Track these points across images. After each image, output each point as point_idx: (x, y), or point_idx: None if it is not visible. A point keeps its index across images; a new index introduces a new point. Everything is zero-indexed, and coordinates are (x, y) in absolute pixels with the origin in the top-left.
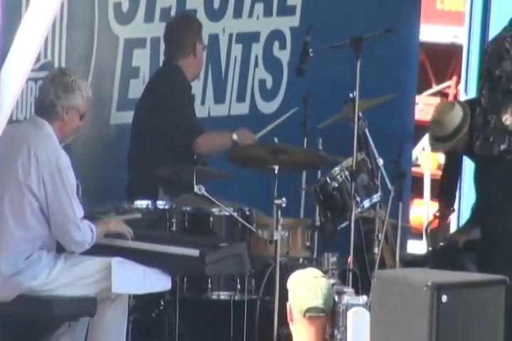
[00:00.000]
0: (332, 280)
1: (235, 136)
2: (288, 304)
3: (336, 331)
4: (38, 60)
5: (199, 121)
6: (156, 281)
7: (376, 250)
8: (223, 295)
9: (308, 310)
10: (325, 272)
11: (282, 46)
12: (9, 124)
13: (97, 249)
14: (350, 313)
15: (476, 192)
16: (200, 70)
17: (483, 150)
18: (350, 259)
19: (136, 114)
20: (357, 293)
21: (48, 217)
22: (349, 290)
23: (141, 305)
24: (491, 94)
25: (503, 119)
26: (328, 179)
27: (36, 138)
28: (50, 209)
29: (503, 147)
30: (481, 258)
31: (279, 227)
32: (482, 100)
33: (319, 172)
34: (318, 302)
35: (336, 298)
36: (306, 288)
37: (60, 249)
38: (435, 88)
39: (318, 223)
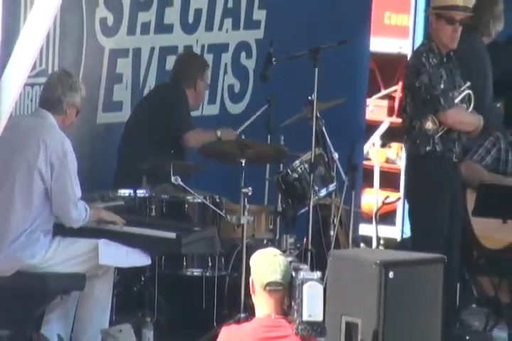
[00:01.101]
0: (290, 258)
1: (219, 133)
2: (251, 279)
3: (292, 302)
4: (34, 67)
5: (190, 119)
6: (137, 257)
7: (332, 232)
8: (196, 272)
9: (268, 284)
10: (284, 251)
11: (248, 55)
12: (14, 116)
13: (86, 233)
14: (305, 287)
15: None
16: (201, 101)
17: (411, 151)
18: (306, 240)
19: (135, 113)
20: (312, 270)
21: (51, 196)
22: (305, 266)
23: (124, 281)
24: (413, 103)
25: (425, 125)
26: (289, 171)
27: (43, 128)
28: (53, 188)
29: (428, 148)
30: None
31: (246, 213)
32: (407, 108)
33: (281, 165)
34: (276, 277)
35: (293, 274)
36: (266, 264)
37: (54, 233)
38: (383, 92)
39: (280, 209)
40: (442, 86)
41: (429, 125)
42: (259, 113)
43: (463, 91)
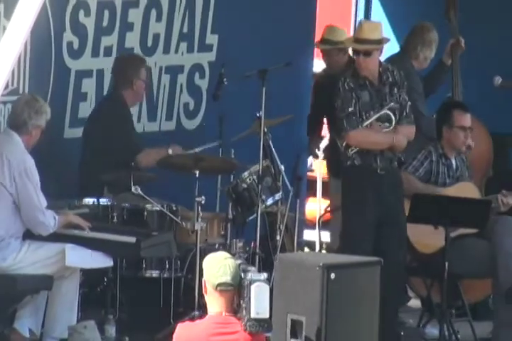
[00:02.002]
0: (239, 261)
1: (170, 151)
2: (203, 280)
3: (241, 301)
4: (6, 86)
5: (138, 139)
6: (100, 260)
7: (278, 237)
8: (155, 273)
9: (219, 284)
10: (233, 254)
11: (202, 76)
12: None
13: (53, 237)
14: (253, 287)
15: None
16: (140, 99)
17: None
18: (254, 245)
19: (85, 131)
20: (260, 271)
21: (19, 207)
22: (253, 268)
23: (89, 281)
24: (333, 122)
25: (340, 144)
26: (239, 181)
27: (7, 146)
28: (20, 200)
29: (349, 163)
30: None
31: (199, 220)
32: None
33: (232, 176)
34: (227, 278)
35: (242, 275)
36: (217, 267)
37: (24, 237)
38: None
39: (230, 216)
40: (351, 109)
41: (341, 143)
42: (211, 145)
43: (379, 111)
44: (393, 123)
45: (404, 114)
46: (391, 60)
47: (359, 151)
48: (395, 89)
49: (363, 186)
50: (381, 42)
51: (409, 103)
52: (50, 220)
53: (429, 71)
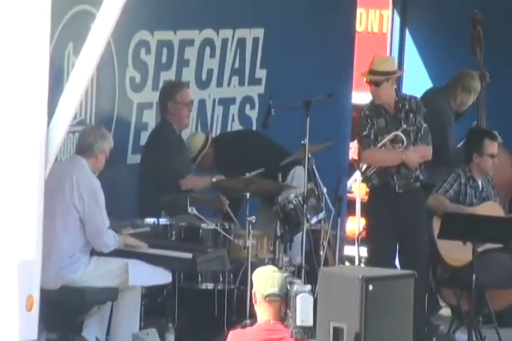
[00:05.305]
0: (285, 274)
1: (214, 180)
2: (253, 291)
3: (288, 310)
4: (74, 117)
5: (185, 165)
6: (160, 276)
7: (321, 253)
8: (210, 286)
9: (268, 295)
10: (281, 268)
11: (252, 107)
12: (55, 162)
13: (118, 253)
14: (298, 297)
15: None
16: (185, 122)
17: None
18: (300, 259)
19: (141, 157)
20: (304, 283)
21: (85, 225)
22: (298, 281)
23: (150, 293)
24: None
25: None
26: (286, 202)
27: (77, 169)
28: (86, 219)
29: (369, 183)
30: None
31: (250, 237)
32: None
33: (279, 197)
34: (275, 289)
35: (288, 287)
36: (266, 279)
37: (91, 253)
38: None
39: (279, 233)
40: (365, 132)
41: (362, 166)
42: (259, 171)
43: (390, 133)
44: (405, 143)
45: (419, 135)
46: (432, 91)
47: (377, 172)
48: (411, 115)
49: (381, 207)
50: (389, 73)
51: (424, 126)
52: (111, 239)
53: None
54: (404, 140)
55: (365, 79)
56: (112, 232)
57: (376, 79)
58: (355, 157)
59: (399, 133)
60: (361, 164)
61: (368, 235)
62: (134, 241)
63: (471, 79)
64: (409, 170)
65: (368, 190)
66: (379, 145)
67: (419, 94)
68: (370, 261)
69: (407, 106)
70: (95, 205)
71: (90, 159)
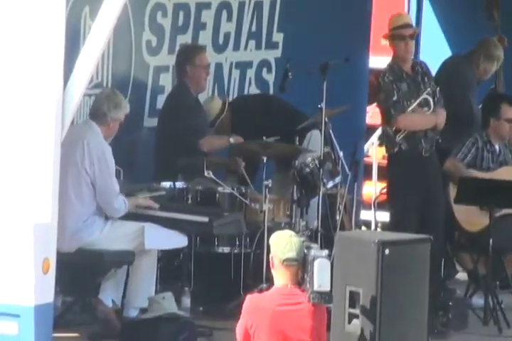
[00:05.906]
0: (302, 238)
1: (231, 140)
2: (270, 255)
3: (305, 275)
4: (91, 80)
5: (203, 126)
6: (176, 240)
7: (338, 217)
8: (226, 249)
9: (285, 259)
10: (297, 232)
11: (269, 71)
12: (71, 126)
13: (133, 217)
14: (316, 262)
15: None
16: (202, 85)
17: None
18: (317, 223)
19: (159, 120)
20: (321, 248)
21: (95, 190)
22: (315, 245)
23: (166, 257)
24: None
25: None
26: (303, 166)
27: (88, 134)
28: (97, 183)
29: (396, 149)
30: None
31: (267, 201)
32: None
33: (296, 161)
34: (292, 254)
35: (306, 251)
36: (284, 243)
37: (107, 216)
38: None
39: (295, 198)
40: (395, 98)
41: (389, 131)
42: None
43: (418, 97)
44: (431, 106)
45: (436, 99)
46: (455, 58)
47: (406, 136)
48: (426, 78)
49: (409, 172)
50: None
51: (438, 89)
52: (121, 204)
53: None
54: (431, 103)
55: (388, 41)
56: (123, 197)
57: (413, 31)
58: (372, 121)
59: (427, 96)
60: (391, 128)
61: (393, 199)
62: (144, 201)
63: (494, 47)
64: (435, 133)
65: (385, 154)
66: (409, 108)
67: (437, 60)
68: (392, 229)
69: (420, 69)
70: (106, 170)
71: (103, 126)
